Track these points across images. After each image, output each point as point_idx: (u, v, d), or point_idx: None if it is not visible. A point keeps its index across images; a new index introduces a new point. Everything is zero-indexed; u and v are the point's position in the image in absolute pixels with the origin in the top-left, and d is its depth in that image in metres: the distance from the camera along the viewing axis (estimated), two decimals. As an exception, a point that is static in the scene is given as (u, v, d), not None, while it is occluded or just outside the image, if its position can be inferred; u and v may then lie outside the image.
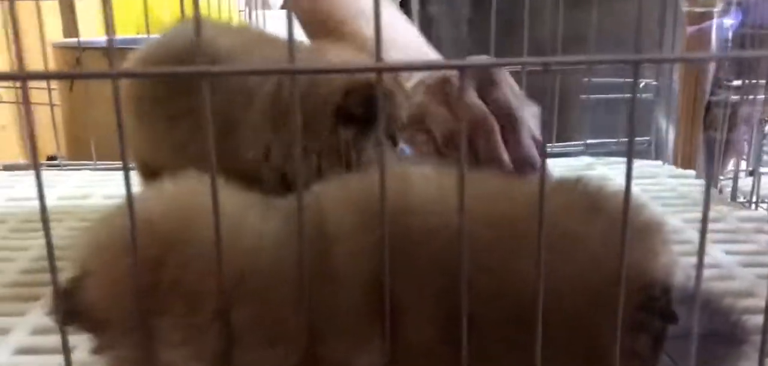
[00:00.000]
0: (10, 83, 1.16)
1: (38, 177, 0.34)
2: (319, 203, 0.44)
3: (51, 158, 1.20)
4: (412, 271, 0.41)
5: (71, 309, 0.39)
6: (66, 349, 0.36)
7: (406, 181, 0.44)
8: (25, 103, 0.35)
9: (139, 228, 0.37)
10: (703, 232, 0.37)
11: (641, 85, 1.11)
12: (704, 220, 0.37)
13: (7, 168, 1.06)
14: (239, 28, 0.75)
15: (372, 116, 0.55)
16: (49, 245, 0.35)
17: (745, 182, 0.93)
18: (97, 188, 0.97)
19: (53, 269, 0.35)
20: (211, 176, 0.35)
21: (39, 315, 0.60)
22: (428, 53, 0.91)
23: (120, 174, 1.01)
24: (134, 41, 1.46)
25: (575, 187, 0.46)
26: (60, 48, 1.41)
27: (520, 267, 0.40)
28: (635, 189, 0.94)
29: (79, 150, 1.24)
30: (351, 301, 0.41)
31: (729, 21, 1.02)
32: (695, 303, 0.38)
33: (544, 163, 0.38)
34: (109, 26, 0.38)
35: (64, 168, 1.07)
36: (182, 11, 0.99)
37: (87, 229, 0.42)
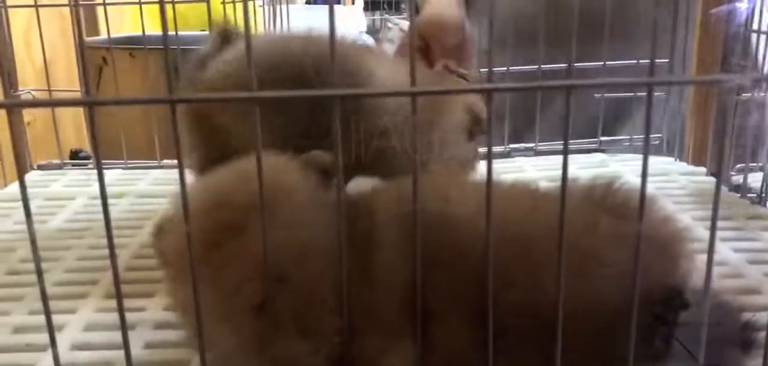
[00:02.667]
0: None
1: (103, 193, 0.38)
2: (371, 206, 0.48)
3: (75, 153, 1.24)
4: (446, 282, 0.45)
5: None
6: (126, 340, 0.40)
7: (447, 195, 0.48)
8: (90, 128, 0.38)
9: (214, 196, 0.45)
10: (712, 232, 0.40)
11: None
12: (713, 225, 0.40)
13: (42, 168, 1.10)
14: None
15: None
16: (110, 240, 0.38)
17: (755, 177, 0.96)
18: (128, 186, 1.01)
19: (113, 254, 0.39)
20: (260, 187, 0.38)
21: (90, 310, 0.64)
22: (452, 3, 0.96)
23: (152, 173, 1.05)
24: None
25: (602, 200, 0.48)
26: (87, 47, 1.44)
27: (545, 284, 0.42)
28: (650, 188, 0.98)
29: (106, 148, 1.28)
30: (387, 304, 0.45)
31: (744, 5, 1.03)
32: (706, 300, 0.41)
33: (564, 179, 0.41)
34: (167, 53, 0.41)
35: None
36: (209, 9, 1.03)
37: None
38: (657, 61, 1.10)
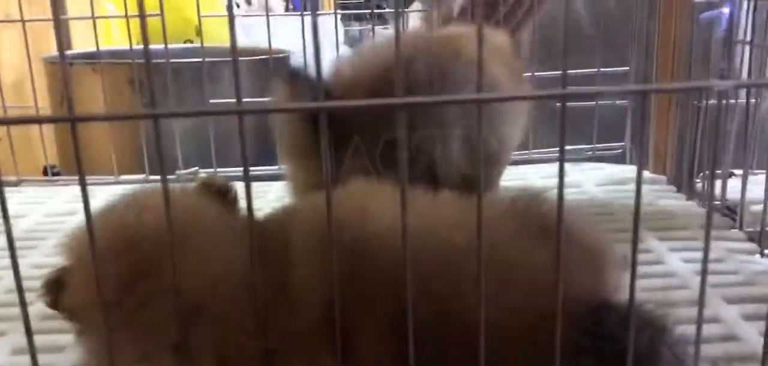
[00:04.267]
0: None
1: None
2: (285, 226, 0.47)
3: (49, 169, 1.23)
4: (366, 295, 0.44)
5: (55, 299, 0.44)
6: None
7: (365, 207, 0.47)
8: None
9: (121, 235, 0.42)
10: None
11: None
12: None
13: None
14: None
15: None
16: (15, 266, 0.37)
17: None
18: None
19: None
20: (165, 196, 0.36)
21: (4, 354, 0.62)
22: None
23: (109, 188, 1.02)
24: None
25: (527, 209, 0.48)
26: (51, 63, 1.43)
27: (465, 295, 0.42)
28: (603, 196, 0.98)
29: (73, 163, 1.27)
30: (307, 323, 0.44)
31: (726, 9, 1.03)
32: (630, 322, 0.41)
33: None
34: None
35: (62, 182, 1.10)
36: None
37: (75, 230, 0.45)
38: (617, 69, 1.11)
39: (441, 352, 0.44)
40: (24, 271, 0.37)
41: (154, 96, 0.35)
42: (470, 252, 0.41)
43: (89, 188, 0.99)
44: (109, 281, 0.40)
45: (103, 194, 1.02)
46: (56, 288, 0.45)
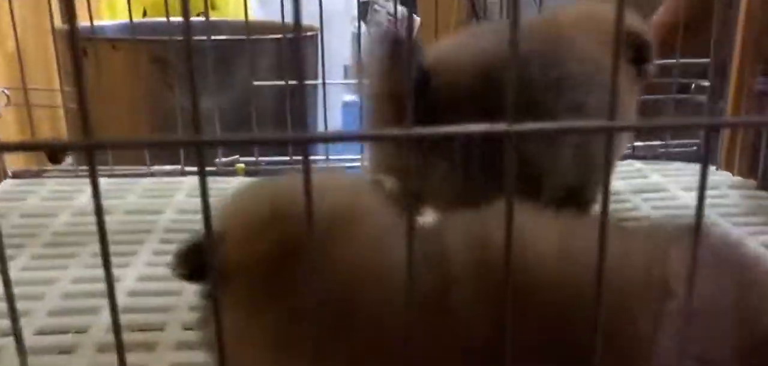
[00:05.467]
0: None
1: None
2: (443, 238, 0.43)
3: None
4: (523, 326, 0.37)
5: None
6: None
7: (525, 235, 0.41)
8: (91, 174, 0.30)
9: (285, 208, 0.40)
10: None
11: (692, 87, 1.05)
12: None
13: (17, 176, 0.98)
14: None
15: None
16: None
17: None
18: (116, 199, 0.89)
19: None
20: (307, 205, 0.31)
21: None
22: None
23: (142, 181, 0.91)
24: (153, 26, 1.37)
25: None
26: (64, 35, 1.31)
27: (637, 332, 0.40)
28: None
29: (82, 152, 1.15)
30: (463, 343, 0.40)
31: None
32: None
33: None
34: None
35: (79, 174, 1.00)
36: None
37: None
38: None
39: None
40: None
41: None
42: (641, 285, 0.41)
43: (121, 182, 0.89)
44: (267, 252, 0.39)
45: (137, 188, 0.95)
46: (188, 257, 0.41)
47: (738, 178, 0.99)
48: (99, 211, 0.30)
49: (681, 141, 1.08)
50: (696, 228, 0.30)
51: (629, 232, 0.46)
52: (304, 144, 0.31)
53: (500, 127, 0.30)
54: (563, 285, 0.40)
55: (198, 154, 0.30)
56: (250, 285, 0.40)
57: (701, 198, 0.30)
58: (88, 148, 0.30)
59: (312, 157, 0.30)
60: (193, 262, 0.41)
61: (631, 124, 0.37)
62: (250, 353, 0.41)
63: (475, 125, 0.32)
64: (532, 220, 0.44)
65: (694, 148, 1.09)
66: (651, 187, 0.94)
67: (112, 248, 0.30)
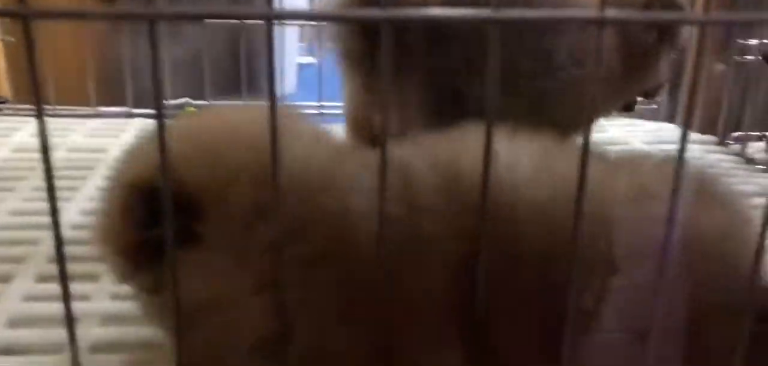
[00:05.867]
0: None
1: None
2: (407, 167, 0.40)
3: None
4: (505, 270, 0.37)
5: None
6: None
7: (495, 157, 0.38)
8: (28, 48, 0.27)
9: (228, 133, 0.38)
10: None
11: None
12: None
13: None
14: None
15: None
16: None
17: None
18: (59, 137, 0.84)
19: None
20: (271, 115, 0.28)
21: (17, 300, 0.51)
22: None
23: (83, 122, 0.86)
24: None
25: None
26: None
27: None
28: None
29: (25, 94, 1.08)
30: (435, 290, 0.38)
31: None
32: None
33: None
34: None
35: (19, 112, 0.94)
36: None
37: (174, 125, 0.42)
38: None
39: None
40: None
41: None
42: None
43: (65, 121, 0.85)
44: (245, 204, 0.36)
45: (82, 128, 0.90)
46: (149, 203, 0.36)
47: (698, 134, 0.98)
48: (43, 131, 0.27)
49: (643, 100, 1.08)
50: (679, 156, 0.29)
51: (612, 161, 0.44)
52: (270, 20, 0.29)
53: (484, 13, 0.28)
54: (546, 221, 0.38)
55: (150, 31, 0.27)
56: (231, 226, 0.37)
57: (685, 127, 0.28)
58: (25, 19, 0.27)
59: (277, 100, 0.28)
60: (146, 210, 0.36)
61: (624, 17, 0.34)
62: (236, 298, 0.37)
63: (459, 10, 0.29)
64: (506, 143, 0.41)
65: (656, 106, 1.09)
66: (612, 141, 0.93)
67: (56, 183, 0.27)
